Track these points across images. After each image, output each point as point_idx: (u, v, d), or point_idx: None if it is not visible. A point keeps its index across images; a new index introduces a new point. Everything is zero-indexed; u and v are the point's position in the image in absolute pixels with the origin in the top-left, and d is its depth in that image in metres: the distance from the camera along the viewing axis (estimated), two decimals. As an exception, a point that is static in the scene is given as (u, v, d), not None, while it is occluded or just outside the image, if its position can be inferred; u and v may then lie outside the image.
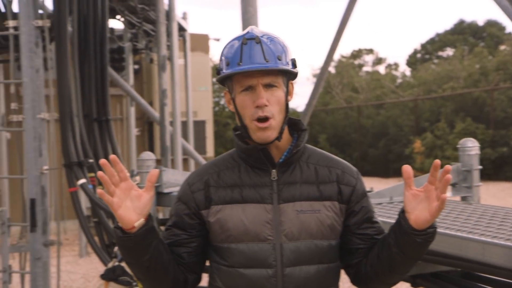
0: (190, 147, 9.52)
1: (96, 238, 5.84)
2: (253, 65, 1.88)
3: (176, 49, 7.64)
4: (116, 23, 15.60)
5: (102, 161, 1.80)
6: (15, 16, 5.41)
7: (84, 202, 5.92)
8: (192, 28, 11.36)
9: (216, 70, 2.01)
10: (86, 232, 5.65)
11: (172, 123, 7.54)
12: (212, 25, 61.42)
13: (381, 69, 34.10)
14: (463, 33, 32.30)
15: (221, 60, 1.98)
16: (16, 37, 5.31)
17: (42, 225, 5.29)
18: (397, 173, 21.03)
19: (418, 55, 34.48)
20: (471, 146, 3.69)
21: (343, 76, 29.48)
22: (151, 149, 12.25)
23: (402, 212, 1.85)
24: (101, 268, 8.02)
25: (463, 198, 3.71)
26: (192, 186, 1.99)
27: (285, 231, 1.90)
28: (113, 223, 5.65)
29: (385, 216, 3.07)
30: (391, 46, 60.01)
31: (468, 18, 50.06)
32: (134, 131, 10.07)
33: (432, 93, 23.59)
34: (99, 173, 1.79)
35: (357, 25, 65.61)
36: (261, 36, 1.92)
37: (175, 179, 4.16)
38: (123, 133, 10.72)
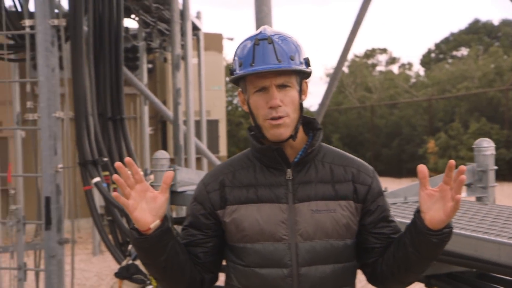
0: (204, 146, 9.54)
1: (110, 237, 5.87)
2: (265, 66, 1.88)
3: (190, 48, 7.66)
4: (130, 22, 15.69)
5: (118, 164, 1.81)
6: (31, 15, 5.45)
7: (98, 201, 5.94)
8: (206, 27, 11.41)
9: (230, 70, 2.01)
10: (100, 230, 5.67)
11: (185, 122, 7.56)
12: (226, 24, 61.54)
13: (395, 68, 33.99)
14: (478, 33, 32.10)
15: (234, 60, 1.98)
16: (32, 36, 5.35)
17: (56, 223, 5.32)
18: (410, 173, 20.95)
19: (432, 55, 34.31)
20: (487, 146, 3.66)
21: (356, 76, 29.41)
22: (164, 148, 12.29)
23: (418, 212, 1.83)
24: (114, 267, 8.05)
25: (478, 199, 3.68)
26: (207, 186, 1.99)
27: (300, 230, 1.89)
28: (127, 222, 5.70)
29: (400, 216, 3.06)
30: (405, 45, 59.80)
31: (483, 18, 49.79)
32: (148, 130, 10.10)
33: (446, 93, 23.47)
34: (115, 176, 1.79)
35: (370, 25, 65.42)
36: (273, 36, 1.91)
37: (188, 178, 4.17)
38: (136, 132, 10.76)
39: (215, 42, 13.88)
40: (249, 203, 1.92)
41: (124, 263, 4.78)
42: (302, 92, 1.96)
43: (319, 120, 8.23)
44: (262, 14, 5.25)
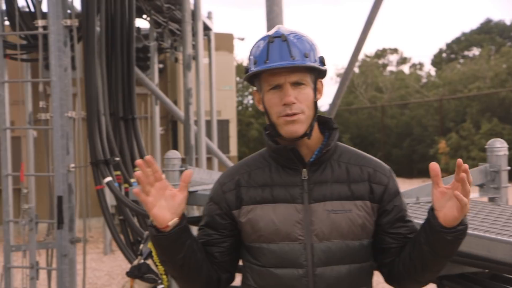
0: (214, 146, 9.54)
1: (121, 236, 5.89)
2: (279, 63, 1.88)
3: (201, 48, 7.66)
4: (142, 23, 15.73)
5: (139, 161, 1.82)
6: (44, 15, 5.48)
7: (109, 200, 5.96)
8: (217, 27, 11.41)
9: (245, 69, 2.01)
10: (112, 229, 5.69)
11: (196, 122, 7.57)
12: (237, 24, 61.58)
13: (406, 68, 33.91)
14: (490, 33, 31.94)
15: (249, 60, 1.98)
16: (45, 36, 5.38)
17: (68, 222, 5.35)
18: (421, 174, 20.89)
19: (444, 55, 34.18)
20: (499, 146, 3.64)
21: (367, 76, 29.35)
22: (175, 148, 12.32)
23: (431, 210, 1.83)
24: (125, 266, 8.09)
25: (491, 199, 3.66)
26: (223, 186, 2.00)
27: (315, 231, 1.89)
28: (139, 221, 5.71)
29: (412, 217, 3.04)
30: (416, 45, 59.60)
31: (495, 17, 49.48)
32: (159, 130, 10.13)
33: (458, 93, 23.36)
34: (136, 173, 1.80)
35: (381, 24, 65.21)
36: (288, 35, 1.91)
37: (200, 177, 4.18)
38: (147, 132, 10.79)
39: (226, 42, 13.90)
40: (265, 203, 1.92)
41: (135, 262, 4.79)
42: (317, 91, 1.96)
43: (330, 120, 8.20)
44: (273, 14, 5.25)
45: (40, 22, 5.42)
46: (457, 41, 33.75)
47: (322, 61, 1.96)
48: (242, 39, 15.81)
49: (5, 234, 5.60)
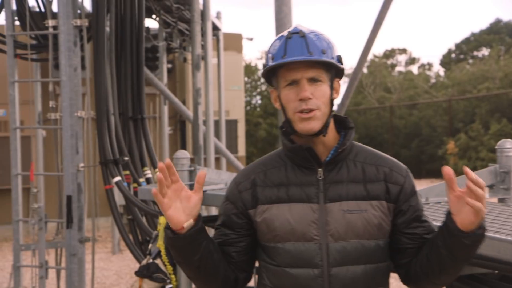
0: (223, 146, 9.55)
1: (130, 236, 5.90)
2: (296, 57, 1.88)
3: (210, 49, 7.67)
4: (151, 22, 15.76)
5: (160, 165, 1.82)
6: (54, 15, 5.50)
7: (118, 200, 5.98)
8: (225, 27, 11.41)
9: (262, 67, 2.02)
10: (121, 229, 5.71)
11: (205, 122, 7.58)
12: (246, 24, 61.63)
13: (414, 69, 33.80)
14: (500, 33, 31.79)
15: (266, 57, 1.98)
16: (55, 36, 5.41)
17: (78, 221, 5.37)
18: (430, 174, 20.82)
19: (453, 55, 34.05)
20: (510, 147, 3.62)
21: (375, 76, 29.28)
22: (183, 148, 12.33)
23: (449, 214, 1.81)
24: (133, 265, 8.12)
25: (501, 200, 3.65)
26: (239, 185, 1.99)
27: (331, 231, 1.88)
28: (147, 221, 5.72)
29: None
30: (425, 46, 59.43)
31: (505, 18, 49.22)
32: (167, 130, 10.14)
33: (467, 93, 23.28)
34: (159, 175, 1.81)
35: (390, 25, 65.07)
36: (306, 32, 1.93)
37: (208, 177, 4.18)
38: (156, 132, 10.81)
39: (234, 42, 13.89)
40: (280, 202, 1.92)
41: (144, 261, 4.80)
42: (333, 90, 1.95)
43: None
44: (282, 14, 5.26)
45: (50, 22, 5.44)
46: (466, 41, 33.61)
47: (339, 60, 1.96)
48: (251, 39, 15.77)
49: (14, 233, 5.63)
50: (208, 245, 1.90)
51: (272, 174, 1.96)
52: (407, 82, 28.49)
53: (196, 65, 6.98)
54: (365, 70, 29.52)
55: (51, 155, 7.03)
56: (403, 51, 34.42)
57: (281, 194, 1.92)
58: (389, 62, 34.03)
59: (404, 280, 2.02)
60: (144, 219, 5.76)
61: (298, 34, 1.91)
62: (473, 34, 33.47)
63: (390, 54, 34.17)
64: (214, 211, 7.54)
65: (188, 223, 1.84)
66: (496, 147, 3.69)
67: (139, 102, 6.03)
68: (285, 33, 1.95)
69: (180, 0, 8.14)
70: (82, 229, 5.42)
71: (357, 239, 1.89)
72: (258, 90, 26.65)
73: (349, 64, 32.03)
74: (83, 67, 5.70)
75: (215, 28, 9.76)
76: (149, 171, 5.95)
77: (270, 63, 1.93)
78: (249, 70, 25.65)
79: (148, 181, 5.78)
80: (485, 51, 31.68)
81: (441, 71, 33.33)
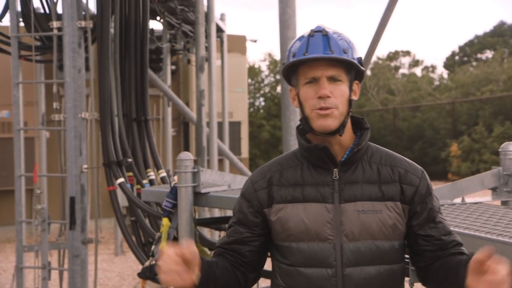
0: (226, 147, 9.56)
1: (133, 237, 5.90)
2: (318, 54, 1.89)
3: (214, 50, 7.67)
4: (155, 24, 15.79)
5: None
6: (59, 17, 5.51)
7: (121, 201, 5.98)
8: (229, 29, 11.42)
9: (281, 65, 2.04)
10: (124, 230, 5.71)
11: (208, 124, 7.58)
12: (250, 26, 61.64)
13: (418, 71, 33.75)
14: (503, 35, 31.76)
15: (288, 55, 1.99)
16: (60, 38, 5.42)
17: (81, 223, 5.38)
18: (433, 177, 20.77)
19: (456, 58, 34.03)
20: (513, 150, 3.62)
21: (379, 78, 29.25)
22: (187, 149, 12.34)
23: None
24: (136, 267, 8.12)
25: (504, 203, 3.65)
26: (255, 184, 2.00)
27: (345, 231, 1.88)
28: (150, 222, 5.71)
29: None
30: (429, 48, 59.33)
31: (509, 20, 49.14)
32: (171, 131, 10.15)
33: (470, 96, 23.25)
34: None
35: (394, 27, 65.03)
36: (329, 32, 1.94)
37: (212, 179, 4.18)
38: (159, 133, 10.82)
39: (238, 44, 13.90)
40: (295, 202, 1.92)
41: (147, 263, 4.80)
42: (352, 91, 1.96)
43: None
44: (286, 16, 5.25)
45: (55, 24, 5.45)
46: (470, 43, 33.58)
47: (360, 61, 1.96)
48: (255, 41, 15.79)
49: (17, 234, 5.63)
50: (215, 273, 1.90)
51: (288, 174, 1.97)
52: (411, 84, 28.45)
53: (200, 66, 6.98)
54: (368, 72, 29.51)
55: (55, 156, 7.04)
56: (407, 53, 34.39)
57: (297, 193, 1.93)
58: (392, 64, 34.00)
59: (423, 283, 2.02)
60: (147, 221, 5.76)
61: (320, 32, 1.92)
62: (476, 37, 33.45)
63: (393, 56, 34.15)
64: (217, 213, 7.55)
65: (196, 276, 1.77)
66: (499, 149, 3.69)
67: (143, 103, 6.03)
68: (307, 32, 1.96)
69: (184, 2, 8.15)
70: (85, 231, 5.42)
71: (371, 239, 1.89)
72: (262, 92, 26.65)
73: (352, 66, 31.91)
74: (87, 68, 5.71)
75: (219, 30, 9.77)
76: (152, 173, 5.95)
77: (291, 59, 1.94)
78: (252, 72, 25.64)
79: (151, 182, 5.78)
80: (488, 54, 31.64)
81: (445, 74, 33.32)
